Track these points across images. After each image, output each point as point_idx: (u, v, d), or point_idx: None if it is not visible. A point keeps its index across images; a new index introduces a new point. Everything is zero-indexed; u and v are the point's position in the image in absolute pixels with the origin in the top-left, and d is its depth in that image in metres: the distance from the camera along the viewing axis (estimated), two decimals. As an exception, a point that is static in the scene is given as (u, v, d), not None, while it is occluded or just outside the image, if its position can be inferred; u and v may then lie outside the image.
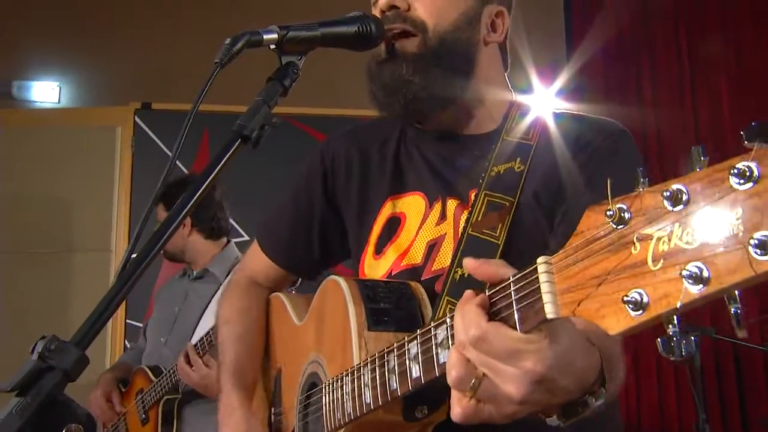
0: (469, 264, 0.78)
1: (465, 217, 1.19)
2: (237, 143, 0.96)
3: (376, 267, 1.28)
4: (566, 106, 4.47)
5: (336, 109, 4.45)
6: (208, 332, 2.53)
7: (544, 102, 4.42)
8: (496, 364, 0.71)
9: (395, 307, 1.09)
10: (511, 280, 0.73)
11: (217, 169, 0.94)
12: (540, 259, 0.69)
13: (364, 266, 1.31)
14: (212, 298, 2.93)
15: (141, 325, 3.96)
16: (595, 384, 0.78)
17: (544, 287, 0.68)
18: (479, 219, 1.14)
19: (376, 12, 1.24)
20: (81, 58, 4.56)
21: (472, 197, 1.20)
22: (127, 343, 4.16)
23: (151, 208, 0.93)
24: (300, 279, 1.56)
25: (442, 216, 1.23)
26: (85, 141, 4.37)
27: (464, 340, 0.72)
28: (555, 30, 4.80)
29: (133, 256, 0.87)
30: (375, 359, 0.99)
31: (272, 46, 1.02)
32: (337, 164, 1.39)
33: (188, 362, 2.54)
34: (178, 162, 4.63)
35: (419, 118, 1.28)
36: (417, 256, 1.23)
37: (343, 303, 1.10)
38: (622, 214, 0.62)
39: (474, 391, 0.73)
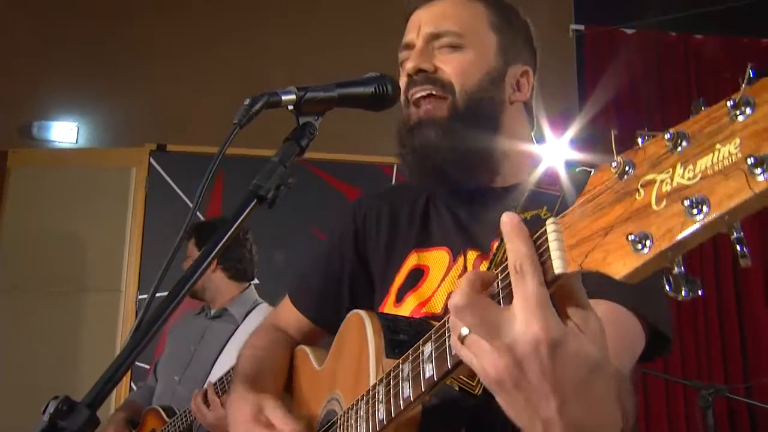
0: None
1: (485, 265, 1.20)
2: (253, 203, 0.97)
3: (396, 313, 1.28)
4: (578, 155, 4.49)
5: (352, 155, 4.50)
6: (228, 372, 2.49)
7: (556, 151, 4.44)
8: (475, 335, 0.70)
9: (414, 339, 1.09)
10: None
11: (232, 229, 0.95)
12: (549, 220, 0.70)
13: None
14: (230, 337, 2.93)
15: (148, 366, 3.94)
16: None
17: (553, 245, 0.68)
18: (502, 259, 1.16)
19: (403, 75, 1.28)
20: (99, 100, 4.65)
21: (494, 246, 1.21)
22: (133, 384, 4.13)
23: (170, 260, 0.93)
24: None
25: (465, 269, 1.25)
26: (100, 181, 4.43)
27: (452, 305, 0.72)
28: (567, 79, 4.85)
29: (161, 293, 0.87)
30: (389, 372, 0.97)
31: (290, 107, 1.04)
32: (368, 222, 1.43)
33: (205, 402, 2.50)
34: (191, 204, 4.64)
35: (449, 183, 1.30)
36: (437, 305, 1.25)
37: (363, 333, 1.11)
38: (626, 167, 0.63)
39: (465, 338, 0.72)
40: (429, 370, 0.86)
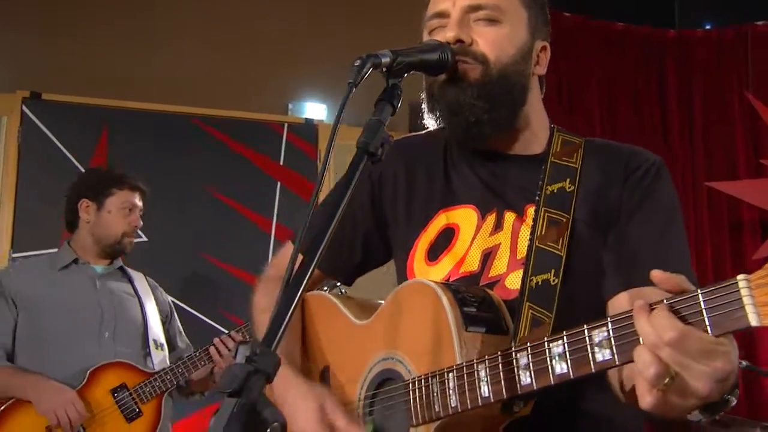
0: (657, 275, 0.90)
1: (525, 230, 1.30)
2: (365, 159, 1.03)
3: (430, 273, 1.35)
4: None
5: (242, 112, 4.43)
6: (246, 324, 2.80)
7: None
8: (690, 363, 0.83)
9: (483, 311, 1.18)
10: (700, 292, 0.85)
11: (353, 185, 1.01)
12: (740, 276, 0.81)
13: (413, 269, 1.38)
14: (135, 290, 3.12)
15: None
16: (735, 386, 0.91)
17: (746, 299, 0.80)
18: (543, 233, 1.27)
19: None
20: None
21: (528, 211, 1.32)
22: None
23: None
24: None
25: (497, 226, 1.33)
26: (-34, 129, 4.03)
27: (658, 341, 0.83)
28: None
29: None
30: (497, 356, 1.06)
31: (384, 69, 1.10)
32: (384, 179, 1.46)
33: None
34: (72, 157, 4.34)
35: (478, 142, 1.36)
36: (473, 263, 1.32)
37: (438, 303, 1.16)
38: None
39: (667, 386, 0.84)
40: (561, 368, 0.97)
